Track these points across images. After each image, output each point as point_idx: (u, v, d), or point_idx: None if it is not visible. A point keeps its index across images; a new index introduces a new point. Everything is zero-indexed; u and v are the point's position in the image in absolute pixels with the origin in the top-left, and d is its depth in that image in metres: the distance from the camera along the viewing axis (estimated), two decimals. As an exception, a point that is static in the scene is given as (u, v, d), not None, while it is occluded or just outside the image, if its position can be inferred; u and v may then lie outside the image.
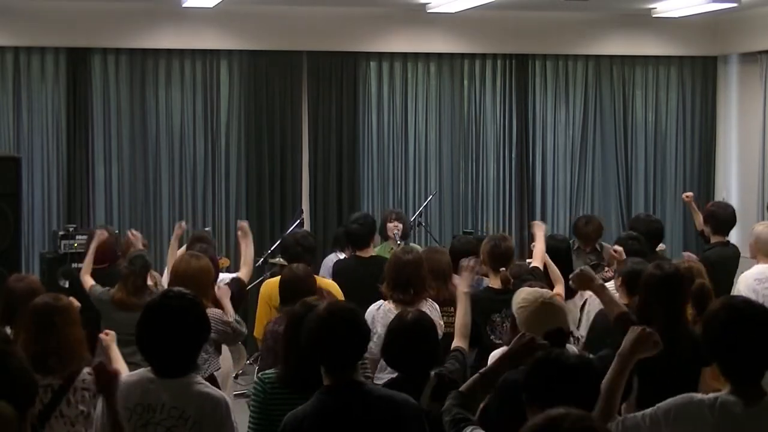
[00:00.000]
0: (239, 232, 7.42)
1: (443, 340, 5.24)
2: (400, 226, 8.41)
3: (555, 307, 4.40)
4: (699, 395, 3.64)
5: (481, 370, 3.50)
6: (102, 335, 5.01)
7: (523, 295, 4.49)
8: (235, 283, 6.88)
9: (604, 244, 8.20)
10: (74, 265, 8.92)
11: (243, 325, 6.17)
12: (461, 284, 5.30)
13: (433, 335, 4.51)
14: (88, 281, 7.04)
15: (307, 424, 3.68)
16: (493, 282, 6.15)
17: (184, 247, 7.46)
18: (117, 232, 8.82)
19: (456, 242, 7.38)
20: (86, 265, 7.25)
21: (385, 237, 8.45)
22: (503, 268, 6.10)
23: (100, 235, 7.58)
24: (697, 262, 6.10)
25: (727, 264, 6.50)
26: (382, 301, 5.92)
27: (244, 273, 7.05)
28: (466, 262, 5.36)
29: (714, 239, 7.73)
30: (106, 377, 3.78)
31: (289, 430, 3.72)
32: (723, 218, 7.84)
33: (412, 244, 8.39)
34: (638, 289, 5.39)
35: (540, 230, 6.96)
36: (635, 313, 4.99)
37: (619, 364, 3.66)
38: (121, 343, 5.11)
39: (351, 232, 7.35)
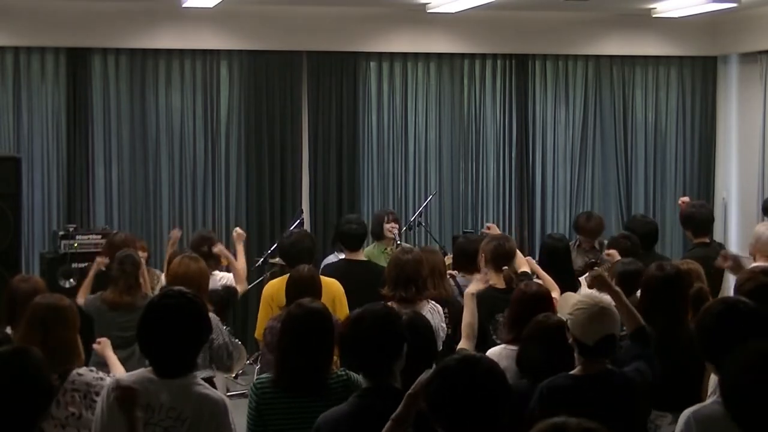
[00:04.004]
0: (234, 235, 7.55)
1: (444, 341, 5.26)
2: (397, 226, 8.43)
3: (612, 314, 4.30)
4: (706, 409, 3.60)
5: (393, 415, 3.47)
6: (95, 345, 4.98)
7: (580, 297, 4.42)
8: (227, 290, 6.89)
9: (605, 242, 8.19)
10: (74, 265, 8.94)
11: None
12: (470, 286, 5.34)
13: (427, 334, 4.49)
14: (80, 300, 6.98)
15: (341, 426, 3.69)
16: (497, 281, 6.14)
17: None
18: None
19: (463, 241, 7.28)
20: (83, 289, 7.19)
21: (377, 237, 8.44)
22: (505, 267, 6.09)
23: (100, 263, 7.46)
24: (695, 263, 6.07)
25: (707, 263, 6.47)
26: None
27: (240, 288, 7.13)
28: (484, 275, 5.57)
29: (696, 240, 7.64)
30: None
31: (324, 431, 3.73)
32: (702, 218, 7.72)
33: (405, 245, 8.39)
34: (634, 289, 5.39)
35: (496, 231, 7.09)
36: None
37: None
38: (114, 346, 5.10)
39: (349, 233, 7.24)
